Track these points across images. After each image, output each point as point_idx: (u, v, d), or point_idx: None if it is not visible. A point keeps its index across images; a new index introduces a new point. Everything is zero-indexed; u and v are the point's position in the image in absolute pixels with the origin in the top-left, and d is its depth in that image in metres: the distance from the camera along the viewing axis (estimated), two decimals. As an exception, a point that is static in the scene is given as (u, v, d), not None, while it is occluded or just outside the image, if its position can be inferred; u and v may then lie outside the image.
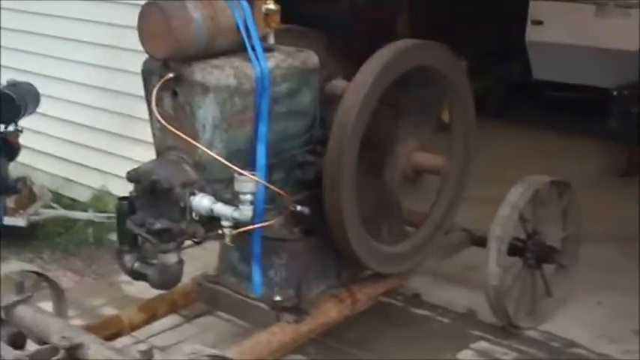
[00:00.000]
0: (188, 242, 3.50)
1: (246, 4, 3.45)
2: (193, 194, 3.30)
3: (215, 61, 3.33)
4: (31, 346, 3.32)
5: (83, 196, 6.01)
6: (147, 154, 3.74)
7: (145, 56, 3.43)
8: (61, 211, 5.74)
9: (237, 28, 3.40)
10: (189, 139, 3.31)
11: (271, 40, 3.56)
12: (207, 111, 3.29)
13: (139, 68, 3.52)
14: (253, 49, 3.41)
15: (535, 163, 6.53)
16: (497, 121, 8.44)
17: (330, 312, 3.85)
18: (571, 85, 8.41)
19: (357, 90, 3.58)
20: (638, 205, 6.06)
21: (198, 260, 4.40)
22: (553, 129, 8.24)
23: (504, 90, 9.15)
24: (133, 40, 3.42)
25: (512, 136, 8.17)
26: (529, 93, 9.01)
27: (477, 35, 8.82)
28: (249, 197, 3.24)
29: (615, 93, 7.44)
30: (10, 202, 5.42)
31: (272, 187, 3.48)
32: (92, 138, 5.92)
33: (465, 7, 9.08)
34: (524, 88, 9.05)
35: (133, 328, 3.84)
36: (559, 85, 8.52)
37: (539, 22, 8.36)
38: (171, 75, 3.31)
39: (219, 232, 3.34)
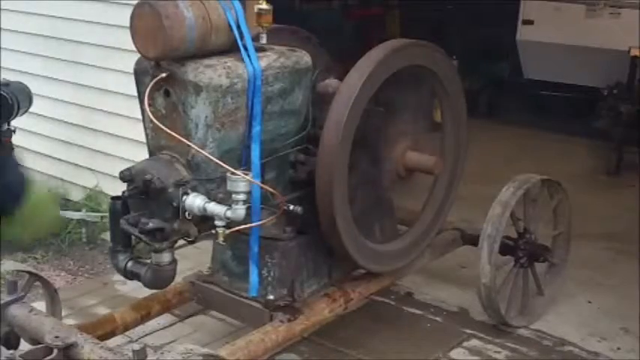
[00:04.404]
0: (181, 242, 3.50)
1: (238, 4, 3.44)
2: (186, 194, 3.29)
3: (207, 61, 3.33)
4: (25, 346, 3.33)
5: (76, 195, 6.00)
6: (140, 154, 3.74)
7: (138, 56, 3.44)
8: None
9: (230, 27, 3.40)
10: (181, 138, 3.31)
11: (263, 39, 3.57)
12: (199, 110, 3.29)
13: (131, 68, 3.53)
14: (245, 48, 3.41)
15: (525, 163, 6.56)
16: (487, 120, 8.46)
17: (322, 311, 3.85)
18: (561, 84, 8.44)
19: (349, 89, 3.58)
20: (627, 205, 6.11)
21: (192, 259, 4.42)
22: (543, 128, 8.26)
23: (494, 89, 9.17)
24: (126, 39, 3.42)
25: (502, 136, 8.19)
26: (519, 92, 9.03)
27: (466, 34, 8.86)
28: (242, 197, 3.23)
29: (605, 92, 7.49)
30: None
31: (265, 186, 3.48)
32: (85, 137, 5.91)
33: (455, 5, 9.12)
34: (514, 87, 9.07)
35: (127, 327, 3.83)
36: (549, 85, 8.55)
37: (530, 22, 8.39)
38: (163, 74, 3.30)
39: (213, 231, 3.34)
